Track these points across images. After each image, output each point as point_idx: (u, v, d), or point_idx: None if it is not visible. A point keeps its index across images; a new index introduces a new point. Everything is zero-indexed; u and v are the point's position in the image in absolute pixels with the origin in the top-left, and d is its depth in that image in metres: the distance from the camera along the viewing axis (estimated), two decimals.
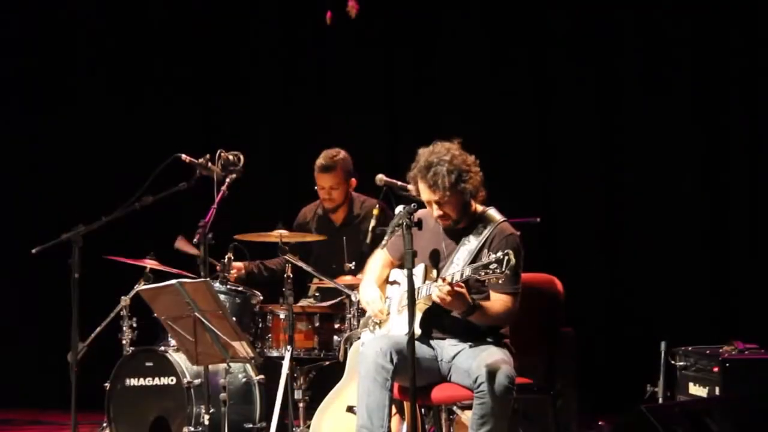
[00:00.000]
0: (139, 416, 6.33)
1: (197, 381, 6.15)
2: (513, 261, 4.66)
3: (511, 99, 8.14)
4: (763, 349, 5.91)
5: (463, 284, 4.84)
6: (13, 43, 8.98)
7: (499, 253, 4.70)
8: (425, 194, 5.01)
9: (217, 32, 8.84)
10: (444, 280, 4.87)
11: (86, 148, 8.82)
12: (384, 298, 5.25)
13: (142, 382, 6.34)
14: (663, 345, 6.23)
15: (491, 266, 4.70)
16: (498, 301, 4.96)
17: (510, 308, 4.97)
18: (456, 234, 5.09)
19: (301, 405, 6.27)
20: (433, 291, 4.87)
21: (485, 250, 4.92)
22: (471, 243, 5.03)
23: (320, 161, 6.72)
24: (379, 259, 5.34)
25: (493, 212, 5.11)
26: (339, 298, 6.47)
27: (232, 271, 6.49)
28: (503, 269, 4.67)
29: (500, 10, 8.15)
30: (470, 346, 5.00)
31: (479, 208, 5.09)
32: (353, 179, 6.81)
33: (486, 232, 5.03)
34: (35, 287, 8.61)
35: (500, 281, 4.79)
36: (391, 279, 5.27)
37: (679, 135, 7.75)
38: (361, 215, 6.80)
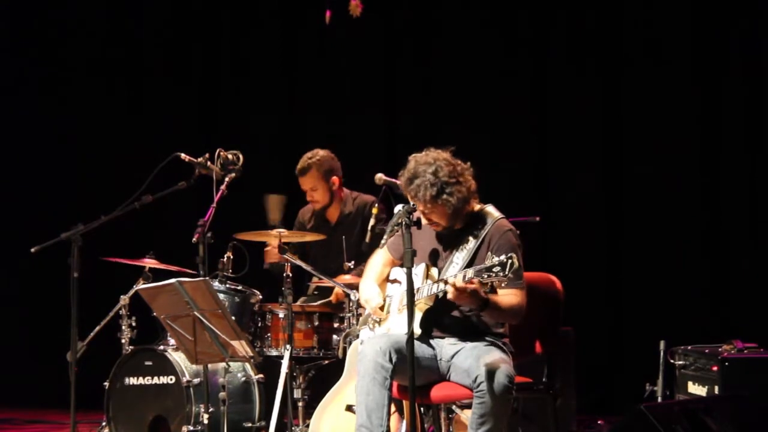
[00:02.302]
0: (139, 415, 6.33)
1: (196, 380, 6.15)
2: (516, 264, 4.65)
3: (511, 99, 8.14)
4: (762, 349, 5.91)
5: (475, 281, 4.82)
6: (12, 43, 8.98)
7: (503, 257, 4.67)
8: (413, 202, 5.02)
9: (216, 31, 8.84)
10: (445, 281, 4.87)
11: (86, 148, 8.82)
12: (384, 297, 5.25)
13: (141, 381, 6.34)
14: (662, 344, 6.24)
15: (494, 269, 4.69)
16: (508, 295, 4.94)
17: (520, 302, 4.96)
18: (454, 233, 5.09)
19: (300, 404, 6.28)
20: (449, 287, 4.81)
21: (484, 249, 4.91)
22: (470, 242, 5.03)
23: (298, 165, 6.76)
24: (379, 258, 5.34)
25: (490, 209, 5.11)
26: (328, 299, 6.48)
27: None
28: (507, 273, 4.65)
29: (501, 10, 8.14)
30: (469, 345, 5.00)
31: (476, 206, 5.09)
32: (335, 178, 6.81)
33: (484, 231, 5.02)
34: (34, 286, 8.61)
35: (503, 284, 4.79)
36: (391, 277, 5.27)
37: (680, 135, 7.74)
38: (353, 212, 6.82)
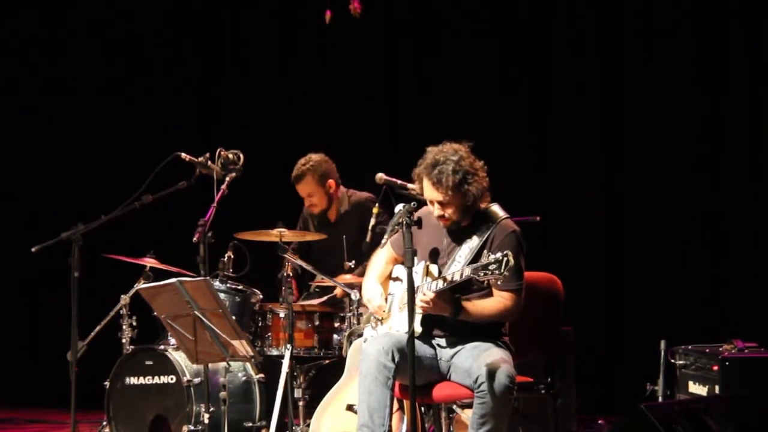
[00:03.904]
0: (139, 415, 6.33)
1: (197, 380, 6.15)
2: (512, 262, 4.65)
3: (512, 98, 8.14)
4: (762, 348, 5.91)
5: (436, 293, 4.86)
6: (11, 43, 8.98)
7: (498, 254, 4.69)
8: (428, 192, 5.01)
9: (216, 30, 8.84)
10: (445, 279, 4.87)
11: (86, 148, 8.82)
12: (385, 296, 5.25)
13: (141, 380, 6.34)
14: (663, 344, 6.24)
15: (490, 267, 4.70)
16: (495, 299, 4.97)
17: (510, 306, 4.97)
18: (458, 231, 5.09)
19: (300, 404, 6.29)
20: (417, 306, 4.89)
21: (485, 250, 4.92)
22: (473, 241, 5.03)
23: (293, 173, 6.78)
24: (382, 256, 5.34)
25: (496, 209, 5.10)
26: (333, 294, 6.49)
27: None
28: (502, 270, 4.67)
29: (501, 9, 8.14)
30: (469, 345, 5.00)
31: (482, 205, 5.09)
32: (330, 181, 6.83)
33: (488, 230, 5.02)
34: (35, 286, 8.61)
35: (499, 282, 4.79)
36: (393, 275, 5.27)
37: (680, 135, 7.74)
38: (349, 210, 6.85)
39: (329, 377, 6.07)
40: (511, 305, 4.97)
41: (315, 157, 6.82)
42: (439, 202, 4.99)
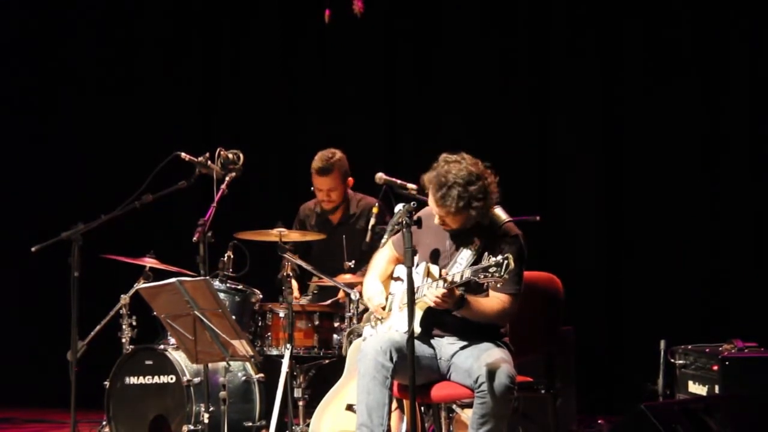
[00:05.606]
0: (139, 415, 6.33)
1: (197, 379, 6.15)
2: (512, 265, 4.65)
3: (512, 98, 8.13)
4: (762, 348, 5.92)
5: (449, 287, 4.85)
6: (11, 43, 8.97)
7: (499, 257, 4.69)
8: (432, 202, 5.01)
9: (216, 30, 8.84)
10: (445, 279, 4.87)
11: (86, 147, 8.82)
12: (386, 294, 5.25)
13: (141, 380, 6.34)
14: (663, 343, 6.24)
15: (491, 269, 4.70)
16: (493, 299, 4.97)
17: (506, 308, 4.97)
18: (461, 234, 5.08)
19: (300, 403, 6.28)
20: (427, 298, 4.87)
21: (487, 252, 4.91)
22: (475, 243, 5.02)
23: (317, 164, 6.72)
24: (384, 255, 5.34)
25: (498, 211, 5.09)
26: (337, 298, 6.48)
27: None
28: (502, 273, 4.66)
29: (501, 8, 8.14)
30: (469, 345, 5.00)
31: None
32: (350, 179, 6.81)
33: (490, 234, 5.02)
34: (35, 286, 8.61)
35: (499, 285, 4.79)
36: (395, 275, 5.27)
37: (680, 135, 7.74)
38: (357, 213, 6.82)
39: (329, 377, 6.07)
40: (508, 308, 4.98)
41: (339, 152, 6.75)
42: (440, 215, 4.99)
